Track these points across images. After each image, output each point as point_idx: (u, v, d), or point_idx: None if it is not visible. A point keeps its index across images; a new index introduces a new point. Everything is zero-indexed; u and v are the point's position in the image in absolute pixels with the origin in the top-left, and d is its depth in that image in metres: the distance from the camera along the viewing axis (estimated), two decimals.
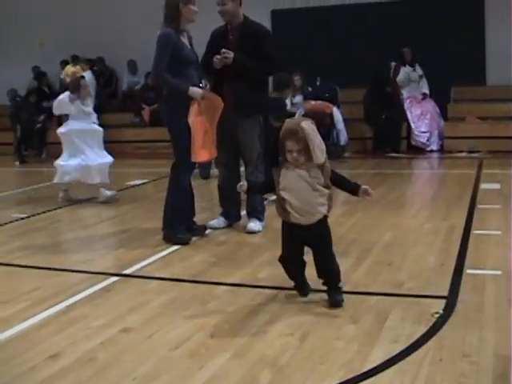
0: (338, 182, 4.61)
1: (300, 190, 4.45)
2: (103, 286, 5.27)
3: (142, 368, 3.71)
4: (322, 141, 4.43)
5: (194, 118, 6.31)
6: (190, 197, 6.72)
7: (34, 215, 8.52)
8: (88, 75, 15.92)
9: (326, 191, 4.48)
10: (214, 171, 9.94)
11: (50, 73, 18.08)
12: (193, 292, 5.08)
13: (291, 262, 4.74)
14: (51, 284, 5.42)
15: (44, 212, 8.64)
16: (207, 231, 6.91)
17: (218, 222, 7.14)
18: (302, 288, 4.80)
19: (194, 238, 6.64)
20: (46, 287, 5.32)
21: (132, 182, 10.86)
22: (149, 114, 16.04)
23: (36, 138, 16.76)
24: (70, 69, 17.02)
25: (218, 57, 6.58)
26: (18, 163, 15.28)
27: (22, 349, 4.09)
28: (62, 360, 3.88)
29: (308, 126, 4.36)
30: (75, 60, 17.09)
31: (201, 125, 6.32)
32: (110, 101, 17.51)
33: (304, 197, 4.46)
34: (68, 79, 16.39)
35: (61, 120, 17.26)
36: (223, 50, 6.60)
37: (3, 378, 3.68)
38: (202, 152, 6.39)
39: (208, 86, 6.54)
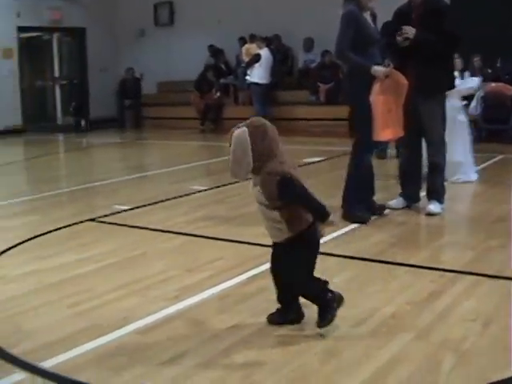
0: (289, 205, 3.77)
1: None
2: None
3: (324, 343, 3.73)
4: (248, 158, 3.67)
5: (376, 97, 6.25)
6: (371, 176, 6.67)
7: (212, 188, 8.76)
8: (265, 53, 16.12)
9: (273, 213, 3.80)
10: (391, 151, 9.86)
11: (227, 50, 18.38)
12: (373, 271, 5.06)
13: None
14: (232, 255, 5.55)
15: (223, 185, 8.83)
16: (386, 211, 6.85)
17: (397, 202, 7.04)
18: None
19: (372, 218, 6.60)
20: (228, 258, 5.46)
21: (307, 160, 10.90)
22: (325, 92, 16.06)
23: (212, 113, 17.20)
24: (246, 47, 17.27)
25: (399, 38, 6.50)
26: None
27: (205, 316, 4.21)
28: (244, 330, 3.95)
29: (239, 133, 3.69)
30: (252, 38, 17.30)
31: (383, 104, 6.25)
32: (286, 78, 17.64)
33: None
34: (245, 57, 16.71)
35: (237, 97, 17.70)
36: (403, 26, 6.50)
37: (189, 343, 3.80)
38: (385, 131, 6.31)
39: (391, 65, 6.45)
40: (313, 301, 3.96)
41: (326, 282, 3.97)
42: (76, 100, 19.89)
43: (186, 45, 19.29)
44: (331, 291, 3.93)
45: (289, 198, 3.72)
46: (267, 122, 3.79)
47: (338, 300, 3.95)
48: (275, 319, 4.05)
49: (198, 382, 3.34)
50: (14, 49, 18.87)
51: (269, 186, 3.70)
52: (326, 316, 3.87)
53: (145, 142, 16.34)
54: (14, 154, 14.81)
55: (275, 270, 4.07)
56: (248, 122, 3.75)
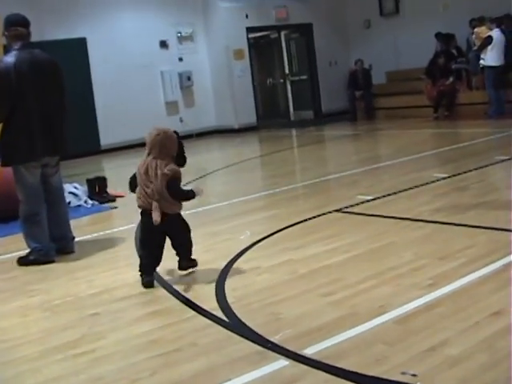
0: None
1: None
2: None
3: None
4: None
5: None
6: None
7: (454, 175, 8.56)
8: (496, 34, 15.60)
9: None
10: None
11: (458, 34, 17.92)
12: None
13: None
14: (483, 242, 5.40)
15: (461, 173, 8.61)
16: None
17: None
18: None
19: None
20: (479, 245, 5.31)
21: None
22: None
23: (446, 99, 16.86)
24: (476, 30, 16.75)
25: None
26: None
27: (462, 304, 4.12)
28: (504, 318, 3.81)
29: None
30: (481, 20, 16.76)
31: None
32: None
33: None
34: (477, 41, 16.26)
35: (470, 82, 17.23)
36: None
37: (449, 331, 3.72)
38: None
39: None
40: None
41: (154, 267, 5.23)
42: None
43: (412, 33, 19.02)
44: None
45: None
46: (162, 133, 5.08)
47: None
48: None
49: (463, 370, 3.26)
50: (245, 49, 19.50)
51: None
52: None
53: (378, 132, 16.29)
54: (250, 151, 15.29)
55: None
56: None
